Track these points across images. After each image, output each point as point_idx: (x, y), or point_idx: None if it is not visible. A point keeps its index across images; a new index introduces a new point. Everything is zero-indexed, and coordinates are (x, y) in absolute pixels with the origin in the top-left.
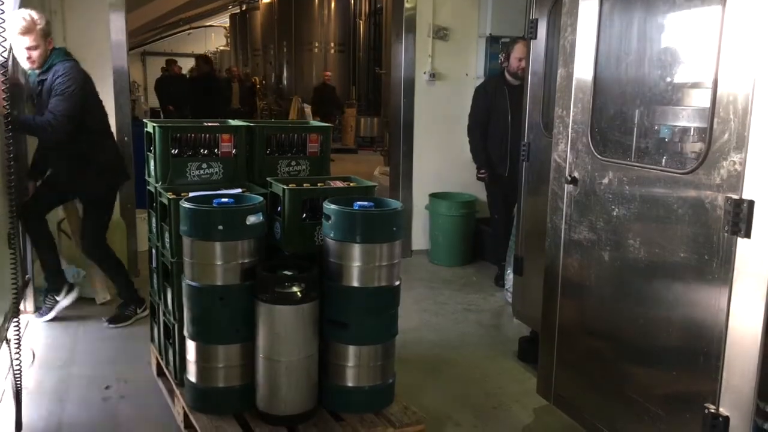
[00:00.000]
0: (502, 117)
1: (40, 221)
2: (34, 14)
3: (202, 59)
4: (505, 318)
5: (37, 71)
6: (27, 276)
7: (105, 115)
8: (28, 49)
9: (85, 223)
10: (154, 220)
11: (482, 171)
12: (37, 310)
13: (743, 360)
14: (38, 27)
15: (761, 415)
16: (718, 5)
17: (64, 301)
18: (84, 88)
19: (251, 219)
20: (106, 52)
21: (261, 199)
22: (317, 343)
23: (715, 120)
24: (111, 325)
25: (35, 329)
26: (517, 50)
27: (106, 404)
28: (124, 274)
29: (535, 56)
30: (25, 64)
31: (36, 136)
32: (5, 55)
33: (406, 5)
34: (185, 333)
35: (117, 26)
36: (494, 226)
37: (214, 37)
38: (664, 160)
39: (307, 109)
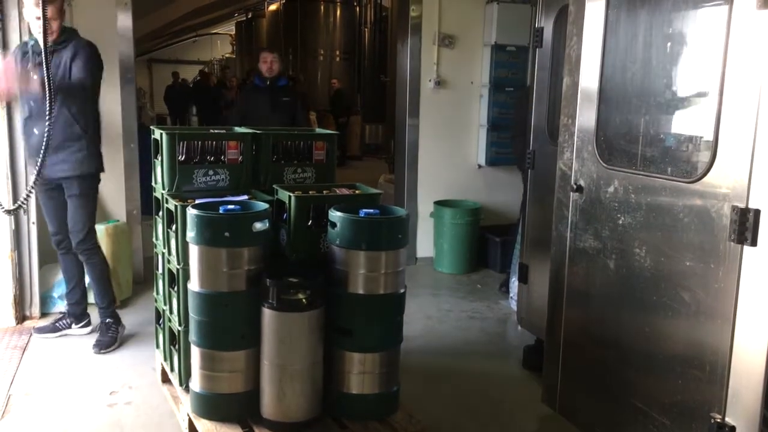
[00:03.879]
0: None
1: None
2: None
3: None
4: (509, 326)
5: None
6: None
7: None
8: (51, 19)
9: (77, 213)
10: (160, 226)
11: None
12: (43, 316)
13: (750, 369)
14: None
15: None
16: (724, 15)
17: (76, 331)
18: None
19: (257, 226)
20: (113, 60)
21: (267, 206)
22: (322, 350)
23: (721, 129)
24: (102, 351)
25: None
26: None
27: (111, 410)
28: (111, 285)
29: (541, 65)
30: (38, 36)
31: (70, 95)
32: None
33: (412, 13)
34: (191, 339)
35: (124, 35)
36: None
37: (219, 44)
38: (669, 169)
39: (312, 116)
